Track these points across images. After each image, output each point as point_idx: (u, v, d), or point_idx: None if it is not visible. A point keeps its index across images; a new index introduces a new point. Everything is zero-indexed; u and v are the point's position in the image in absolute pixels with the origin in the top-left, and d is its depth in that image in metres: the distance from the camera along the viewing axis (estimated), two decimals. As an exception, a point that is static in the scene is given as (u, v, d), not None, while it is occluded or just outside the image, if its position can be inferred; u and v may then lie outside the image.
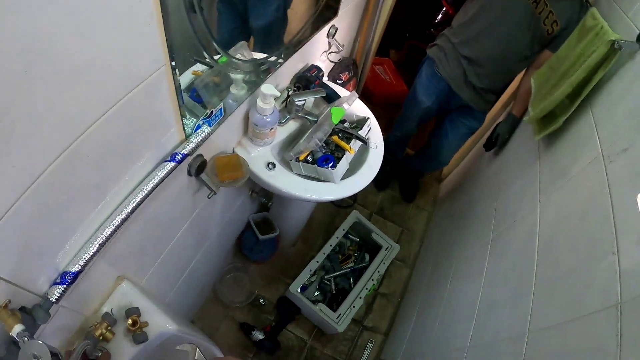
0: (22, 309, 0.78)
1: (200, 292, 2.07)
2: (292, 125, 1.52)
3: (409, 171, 2.91)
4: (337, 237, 2.24)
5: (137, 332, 1.00)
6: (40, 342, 0.70)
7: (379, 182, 2.90)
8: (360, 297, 2.10)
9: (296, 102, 1.48)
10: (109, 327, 0.98)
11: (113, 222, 0.85)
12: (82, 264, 0.82)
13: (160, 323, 1.07)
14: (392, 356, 2.15)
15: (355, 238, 2.43)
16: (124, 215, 0.86)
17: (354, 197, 2.71)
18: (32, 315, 0.79)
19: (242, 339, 2.17)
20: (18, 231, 0.67)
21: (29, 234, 0.70)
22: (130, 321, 1.00)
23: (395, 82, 3.54)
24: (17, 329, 0.71)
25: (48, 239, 0.76)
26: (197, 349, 0.91)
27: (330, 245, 2.23)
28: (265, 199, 1.95)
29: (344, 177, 1.44)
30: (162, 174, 0.92)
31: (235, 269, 2.30)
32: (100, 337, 0.95)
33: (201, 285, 1.99)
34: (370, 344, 2.30)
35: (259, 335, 2.11)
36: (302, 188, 1.36)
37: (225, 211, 1.71)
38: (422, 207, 2.93)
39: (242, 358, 0.92)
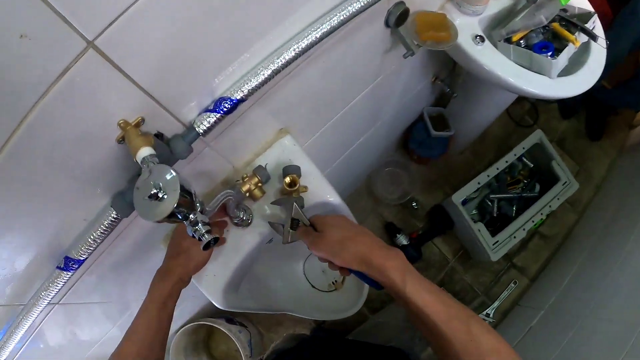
0: (159, 136, 0.63)
1: (354, 179, 1.94)
2: (503, 1, 1.24)
3: (601, 105, 2.40)
4: (515, 155, 1.96)
5: (294, 196, 0.83)
6: (171, 169, 0.52)
7: (565, 108, 2.47)
8: (524, 230, 1.88)
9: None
10: (260, 184, 0.82)
11: (294, 47, 0.66)
12: (247, 91, 0.65)
13: (321, 192, 0.88)
14: (535, 305, 1.92)
15: (528, 163, 2.11)
16: (309, 41, 0.67)
17: (535, 118, 2.32)
18: (169, 146, 0.62)
19: (384, 239, 2.00)
20: (170, 24, 0.51)
21: (184, 34, 0.54)
22: (287, 180, 0.82)
23: (599, 2, 2.69)
24: (144, 152, 0.54)
25: (209, 49, 0.59)
26: (295, 203, 0.73)
27: (506, 162, 1.93)
28: (450, 89, 1.66)
29: (559, 74, 1.18)
30: (365, 1, 0.72)
31: (394, 164, 2.10)
32: (247, 194, 0.80)
33: (357, 172, 1.86)
34: (513, 284, 2.09)
35: (403, 240, 1.98)
36: (513, 73, 1.13)
37: (405, 93, 1.48)
38: (606, 150, 2.45)
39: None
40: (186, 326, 1.71)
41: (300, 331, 2.03)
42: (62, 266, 0.69)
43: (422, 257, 2.01)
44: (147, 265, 0.97)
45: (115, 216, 0.66)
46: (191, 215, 0.56)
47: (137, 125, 0.58)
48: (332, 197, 0.89)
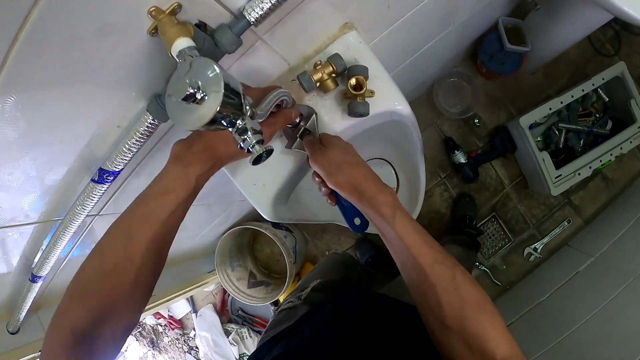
0: (201, 26, 0.52)
1: (416, 88, 1.78)
2: None
3: None
4: (593, 84, 1.73)
5: (358, 100, 0.70)
6: (214, 63, 0.40)
7: None
8: (590, 168, 1.73)
9: None
10: (334, 74, 0.69)
11: None
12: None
13: (389, 98, 0.75)
14: (585, 249, 1.80)
15: (604, 96, 1.89)
16: None
17: (617, 48, 2.01)
18: (214, 38, 0.51)
19: (440, 154, 1.96)
20: None
21: None
22: (353, 81, 0.69)
23: None
24: (181, 43, 0.44)
25: None
26: (315, 115, 0.71)
27: (582, 91, 1.72)
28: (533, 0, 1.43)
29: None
30: None
31: (459, 75, 1.90)
32: (318, 84, 0.69)
33: (420, 79, 1.70)
34: (566, 223, 1.96)
35: (460, 158, 1.85)
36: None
37: (481, -2, 1.27)
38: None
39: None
40: (232, 229, 1.72)
41: (345, 241, 2.04)
42: (96, 179, 0.61)
43: (478, 178, 1.90)
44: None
45: (151, 121, 0.57)
46: (238, 121, 0.44)
47: (173, 12, 0.46)
48: (401, 106, 0.76)
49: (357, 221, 0.65)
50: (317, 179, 0.66)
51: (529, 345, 1.59)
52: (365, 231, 0.67)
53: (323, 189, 0.66)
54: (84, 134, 0.58)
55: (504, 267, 1.97)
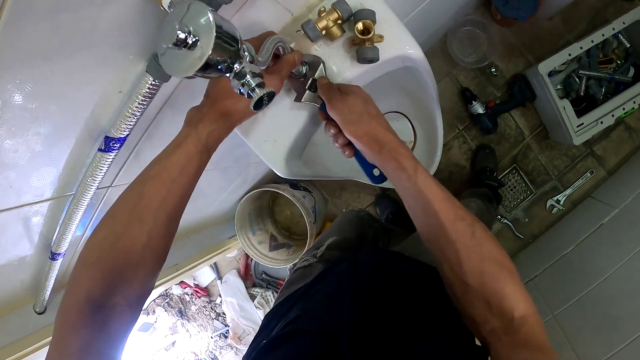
0: None
1: (429, 38, 1.72)
2: None
3: None
4: (614, 29, 1.64)
5: (367, 46, 0.67)
6: (205, 6, 0.38)
7: None
8: (613, 116, 1.66)
9: None
10: (340, 21, 0.66)
11: None
12: None
13: (400, 42, 0.71)
14: (609, 201, 1.75)
15: (625, 42, 1.80)
16: None
17: None
18: None
19: (458, 106, 1.91)
20: None
21: None
22: (360, 26, 0.65)
23: None
24: None
25: None
26: (322, 64, 0.68)
27: (603, 35, 1.63)
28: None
29: None
30: None
31: (474, 23, 1.82)
32: (324, 32, 0.66)
33: (433, 29, 1.63)
34: (589, 174, 1.91)
35: (478, 109, 1.80)
36: None
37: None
38: None
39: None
40: (250, 193, 1.72)
41: (364, 198, 2.03)
42: (103, 148, 0.60)
43: (497, 128, 1.86)
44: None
45: (153, 82, 0.55)
46: (236, 65, 0.42)
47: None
48: (413, 49, 0.72)
49: (376, 172, 0.63)
50: (332, 130, 0.64)
51: (554, 298, 1.58)
52: (383, 184, 0.65)
53: (340, 140, 0.63)
54: (85, 103, 0.57)
55: (526, 219, 1.95)
